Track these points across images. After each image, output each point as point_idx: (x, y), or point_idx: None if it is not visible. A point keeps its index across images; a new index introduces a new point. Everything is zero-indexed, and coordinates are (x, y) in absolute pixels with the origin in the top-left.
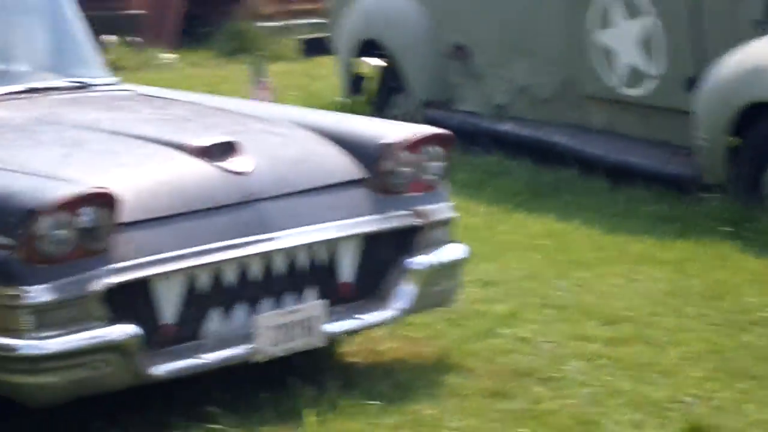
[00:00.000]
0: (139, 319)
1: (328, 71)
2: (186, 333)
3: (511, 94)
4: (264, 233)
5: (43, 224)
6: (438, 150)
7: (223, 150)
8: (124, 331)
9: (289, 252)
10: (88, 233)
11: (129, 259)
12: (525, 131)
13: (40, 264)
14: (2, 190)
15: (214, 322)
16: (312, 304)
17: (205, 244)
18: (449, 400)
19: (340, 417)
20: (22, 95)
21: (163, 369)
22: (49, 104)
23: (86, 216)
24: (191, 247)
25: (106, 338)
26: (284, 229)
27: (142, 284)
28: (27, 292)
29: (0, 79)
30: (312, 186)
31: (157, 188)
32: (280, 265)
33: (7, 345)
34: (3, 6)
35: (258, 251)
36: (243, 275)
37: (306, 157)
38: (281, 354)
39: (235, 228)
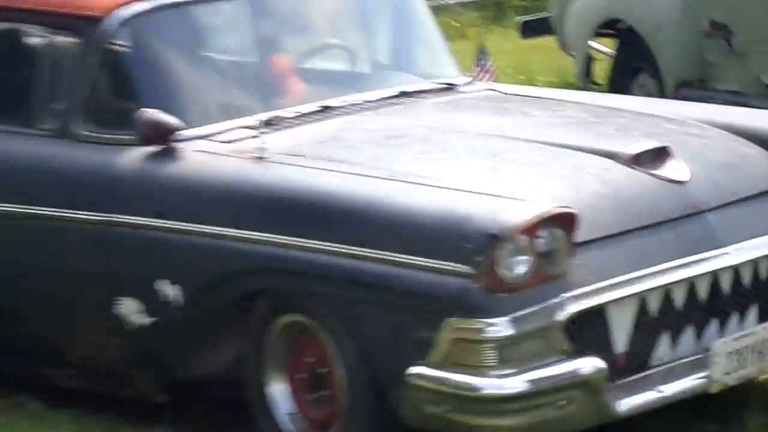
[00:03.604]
0: (596, 349)
1: (540, 50)
2: (635, 363)
3: None
4: (712, 248)
5: (506, 250)
6: None
7: (654, 157)
8: (590, 364)
9: (736, 268)
10: (547, 257)
11: (586, 285)
12: None
13: (501, 293)
14: (450, 212)
15: (663, 350)
16: (765, 326)
17: (655, 263)
18: None
19: None
20: (395, 100)
21: (624, 405)
22: (433, 109)
23: (545, 239)
24: (643, 267)
25: (573, 373)
26: (732, 243)
27: (598, 311)
28: (490, 324)
29: (369, 84)
30: (750, 193)
31: (600, 203)
32: (725, 283)
33: (468, 384)
34: (358, 7)
35: (707, 269)
36: (691, 296)
37: (736, 161)
38: (734, 383)
39: (683, 244)
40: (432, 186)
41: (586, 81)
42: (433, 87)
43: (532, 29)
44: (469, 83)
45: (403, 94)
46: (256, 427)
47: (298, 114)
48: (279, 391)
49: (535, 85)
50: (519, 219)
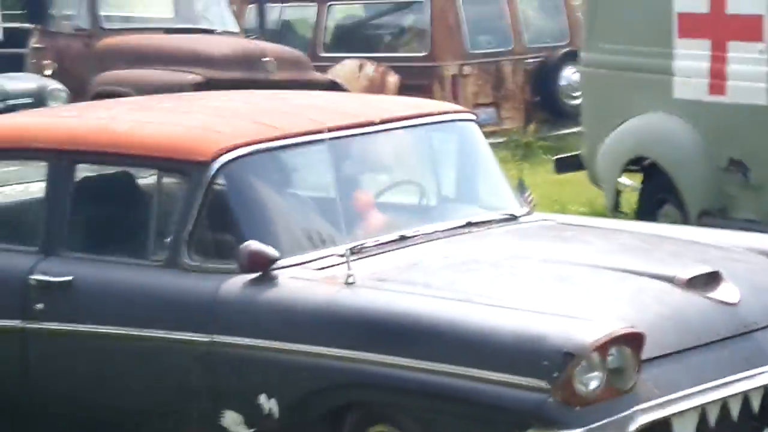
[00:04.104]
0: None
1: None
2: None
3: None
4: (764, 364)
5: (580, 366)
6: None
7: (707, 280)
8: None
9: None
10: (616, 373)
11: (653, 398)
12: None
13: (576, 407)
14: (526, 331)
15: None
16: None
17: (714, 378)
18: None
19: None
20: (463, 229)
21: None
22: (499, 238)
23: (615, 356)
24: (703, 382)
25: None
26: None
27: (664, 423)
28: None
29: (438, 215)
30: None
31: (662, 323)
32: None
33: None
34: (426, 146)
35: (760, 383)
36: (745, 408)
37: None
38: None
39: (737, 360)
40: (507, 307)
41: (615, 212)
42: (496, 217)
43: (565, 165)
44: (527, 214)
45: (470, 224)
46: None
47: (379, 243)
48: None
49: (568, 214)
50: (592, 338)
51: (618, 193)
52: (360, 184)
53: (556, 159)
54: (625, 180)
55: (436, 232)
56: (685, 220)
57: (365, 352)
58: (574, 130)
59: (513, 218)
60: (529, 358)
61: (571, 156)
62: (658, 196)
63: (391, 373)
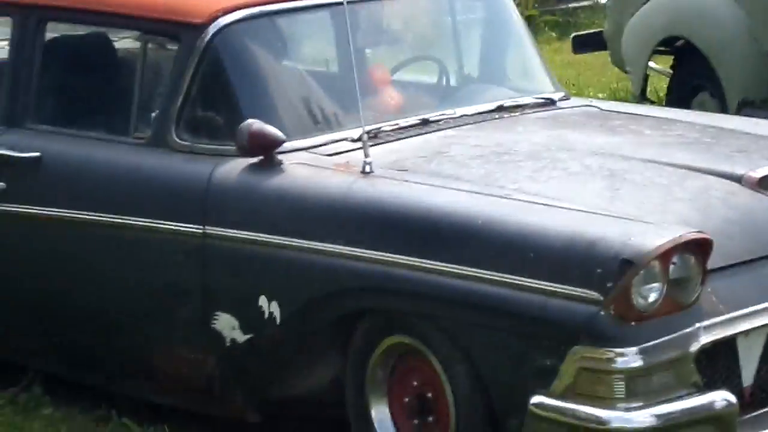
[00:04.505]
0: (725, 382)
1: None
2: (761, 397)
3: None
4: None
5: (638, 276)
6: None
7: None
8: (722, 398)
9: None
10: (678, 285)
11: (718, 315)
12: None
13: (632, 322)
14: (577, 234)
15: None
16: None
17: None
18: None
19: None
20: (494, 115)
21: None
22: (537, 125)
23: (678, 265)
24: None
25: (705, 408)
26: None
27: (729, 343)
28: (620, 354)
29: (464, 98)
30: None
31: (729, 228)
32: None
33: (594, 416)
34: (448, 18)
35: None
36: None
37: None
38: None
39: None
40: (553, 206)
41: (642, 99)
42: (531, 102)
43: (584, 44)
44: (565, 98)
45: (502, 109)
46: None
47: (399, 127)
48: (380, 414)
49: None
50: (653, 244)
51: (646, 78)
52: (375, 57)
53: (574, 37)
54: (651, 64)
55: (463, 116)
56: (722, 111)
57: (384, 252)
58: (587, 3)
59: (550, 102)
60: (580, 264)
61: (592, 34)
62: (692, 82)
63: (415, 277)
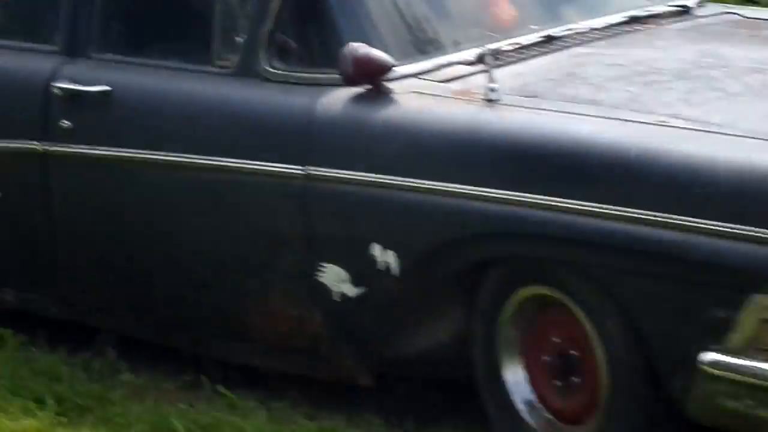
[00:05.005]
0: None
1: None
2: None
3: None
4: None
5: None
6: None
7: None
8: None
9: None
10: None
11: None
12: None
13: None
14: (756, 167)
15: None
16: None
17: None
18: None
19: None
20: (626, 27)
21: None
22: (678, 38)
23: None
24: None
25: None
26: None
27: None
28: None
29: (585, 7)
30: None
31: None
32: None
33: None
34: None
35: None
36: None
37: None
38: None
39: None
40: (723, 134)
41: None
42: (665, 11)
43: None
44: (700, 5)
45: (634, 20)
46: (488, 416)
47: (519, 46)
48: (514, 376)
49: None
50: None
51: None
52: None
53: None
54: None
55: (592, 30)
56: None
57: (518, 191)
58: None
59: (685, 11)
60: (757, 200)
61: None
62: None
63: (557, 219)
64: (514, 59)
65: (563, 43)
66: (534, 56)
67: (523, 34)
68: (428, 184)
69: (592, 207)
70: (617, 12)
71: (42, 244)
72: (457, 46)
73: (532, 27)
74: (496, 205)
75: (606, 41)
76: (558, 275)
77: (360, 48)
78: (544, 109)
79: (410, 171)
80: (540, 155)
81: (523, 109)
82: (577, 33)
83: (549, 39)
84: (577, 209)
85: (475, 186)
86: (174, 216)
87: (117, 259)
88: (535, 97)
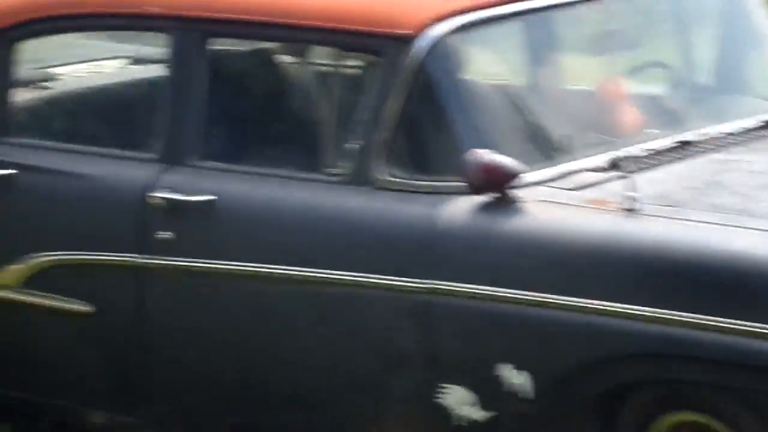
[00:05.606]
0: None
1: None
2: None
3: None
4: None
5: None
6: None
7: None
8: None
9: None
10: None
11: None
12: None
13: None
14: None
15: None
16: None
17: None
18: None
19: None
20: (762, 132)
21: None
22: None
23: None
24: None
25: None
26: None
27: None
28: None
29: (711, 112)
30: None
31: None
32: None
33: None
34: (677, 16)
35: None
36: None
37: None
38: None
39: None
40: None
41: None
42: None
43: None
44: None
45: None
46: None
47: (653, 152)
48: None
49: None
50: None
51: None
52: (605, 67)
53: None
54: None
55: (729, 135)
56: None
57: (668, 309)
58: None
59: None
60: None
61: None
62: None
63: (711, 340)
64: (648, 165)
65: (697, 149)
66: (669, 162)
67: (651, 139)
68: (566, 300)
69: (753, 327)
70: (747, 116)
71: (137, 363)
72: (583, 151)
73: (655, 131)
74: (642, 324)
75: (743, 146)
76: (711, 401)
77: (486, 154)
78: (691, 220)
79: (546, 286)
80: (691, 270)
81: (668, 219)
82: (711, 138)
83: (683, 144)
84: (736, 329)
85: (617, 302)
86: (283, 332)
87: (220, 378)
88: (680, 206)
